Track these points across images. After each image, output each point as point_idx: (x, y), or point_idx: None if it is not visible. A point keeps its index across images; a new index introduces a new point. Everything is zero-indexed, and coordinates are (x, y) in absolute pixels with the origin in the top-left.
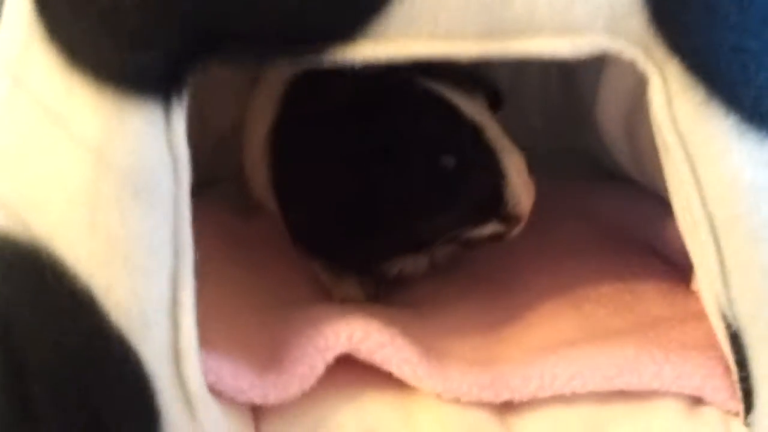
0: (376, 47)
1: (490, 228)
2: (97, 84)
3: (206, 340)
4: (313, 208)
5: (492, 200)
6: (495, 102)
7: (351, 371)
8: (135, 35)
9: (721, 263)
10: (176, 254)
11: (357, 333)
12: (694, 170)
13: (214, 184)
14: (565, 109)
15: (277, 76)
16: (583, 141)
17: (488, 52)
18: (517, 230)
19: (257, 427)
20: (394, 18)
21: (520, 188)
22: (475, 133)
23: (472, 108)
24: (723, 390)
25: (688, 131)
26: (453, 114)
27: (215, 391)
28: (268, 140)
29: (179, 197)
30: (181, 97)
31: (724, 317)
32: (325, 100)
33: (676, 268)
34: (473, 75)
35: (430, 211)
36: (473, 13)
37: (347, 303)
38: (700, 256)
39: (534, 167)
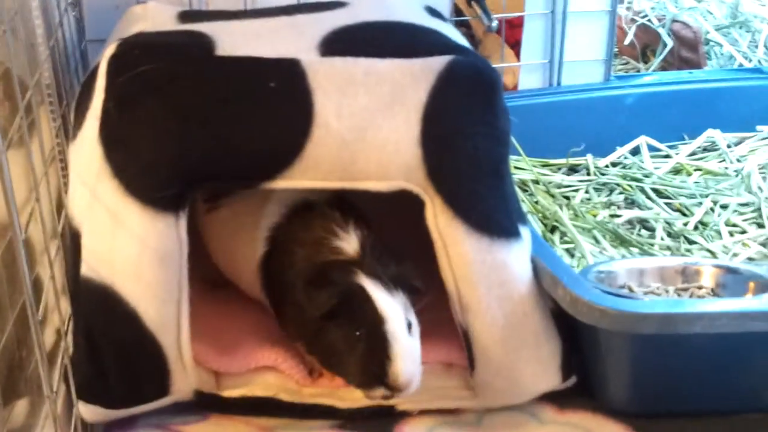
0: (288, 182)
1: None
2: (141, 204)
3: (195, 335)
4: None
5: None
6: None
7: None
8: (161, 182)
9: (460, 302)
10: (180, 290)
11: (279, 358)
12: (447, 255)
13: None
14: None
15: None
16: None
17: (345, 187)
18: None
19: (217, 381)
20: (296, 169)
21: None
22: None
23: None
24: (463, 358)
25: (444, 234)
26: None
27: (196, 361)
28: None
29: (183, 262)
30: (185, 209)
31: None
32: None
33: None
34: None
35: None
36: (337, 168)
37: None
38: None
39: None
